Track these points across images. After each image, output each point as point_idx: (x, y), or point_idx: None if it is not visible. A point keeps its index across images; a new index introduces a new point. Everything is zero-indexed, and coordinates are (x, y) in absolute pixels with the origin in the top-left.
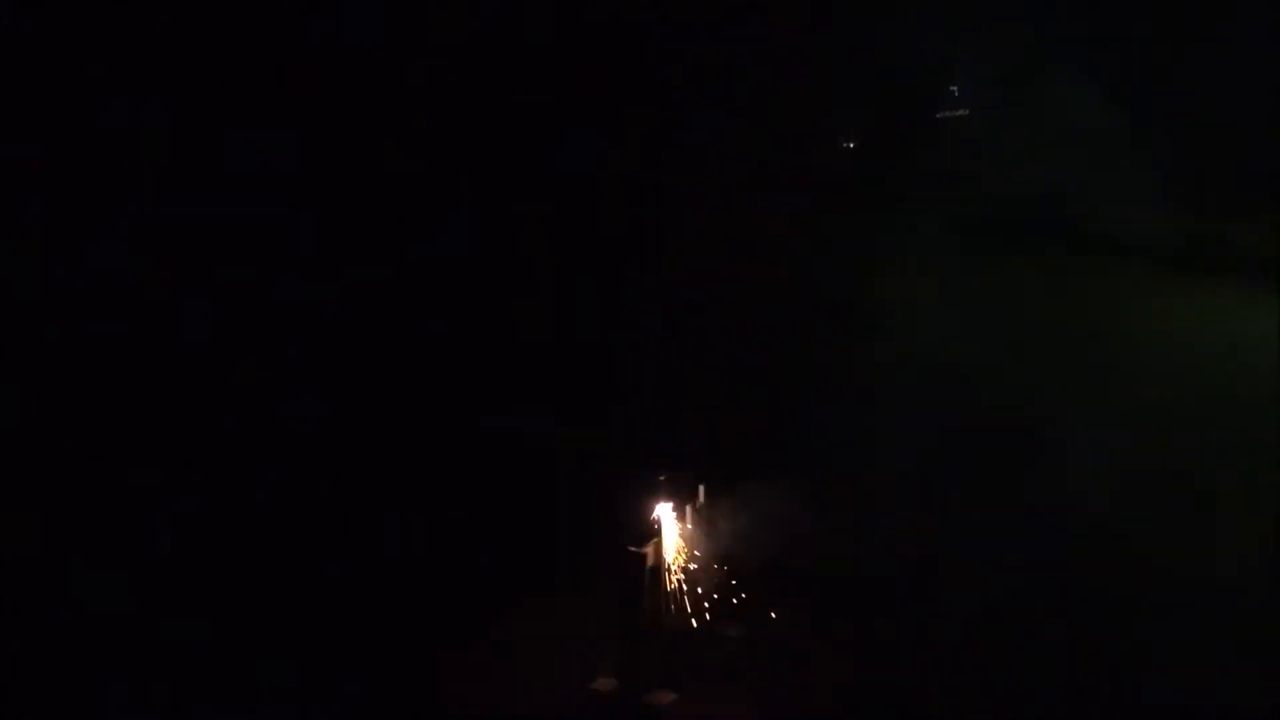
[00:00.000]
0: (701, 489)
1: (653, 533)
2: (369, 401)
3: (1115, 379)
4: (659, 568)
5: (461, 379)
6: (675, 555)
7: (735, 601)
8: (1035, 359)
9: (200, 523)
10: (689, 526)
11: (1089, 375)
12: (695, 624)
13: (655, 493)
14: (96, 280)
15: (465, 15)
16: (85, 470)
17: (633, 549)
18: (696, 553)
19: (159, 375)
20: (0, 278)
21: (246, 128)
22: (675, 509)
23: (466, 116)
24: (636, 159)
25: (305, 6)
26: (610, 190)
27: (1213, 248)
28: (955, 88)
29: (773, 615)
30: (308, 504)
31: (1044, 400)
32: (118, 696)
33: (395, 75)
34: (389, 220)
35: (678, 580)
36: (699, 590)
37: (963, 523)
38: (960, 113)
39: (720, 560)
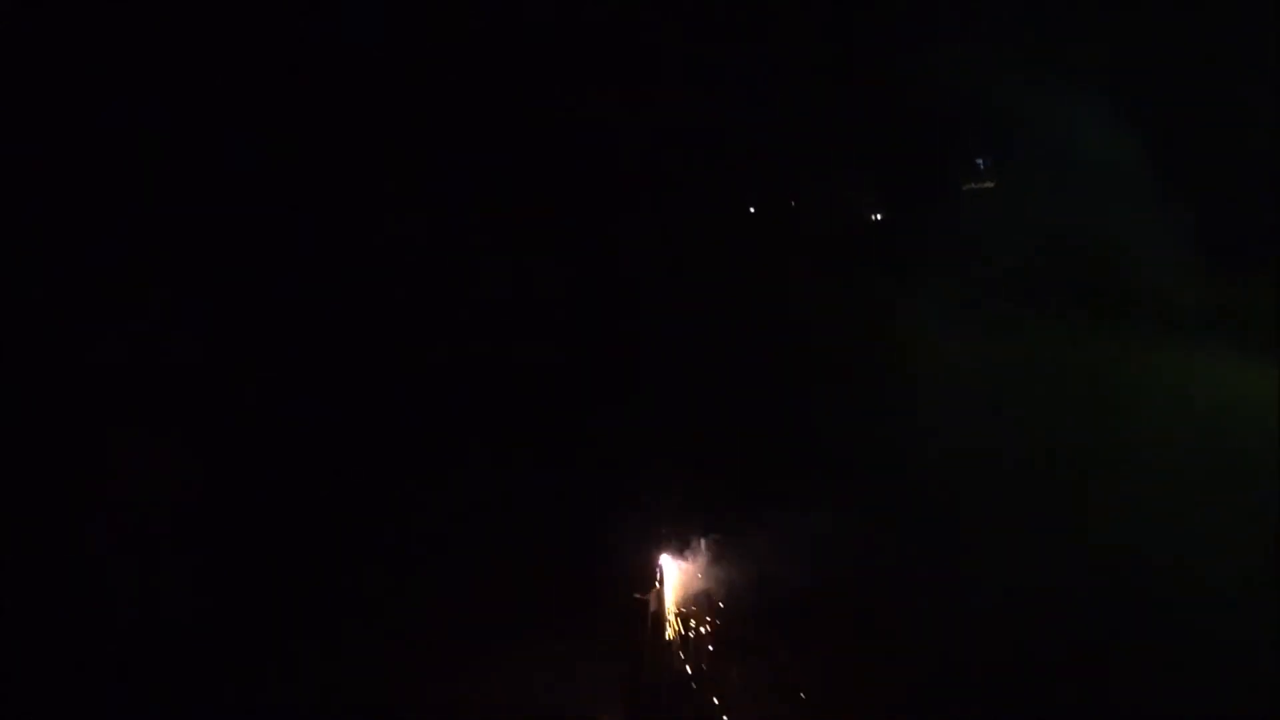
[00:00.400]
0: (703, 541)
1: (655, 580)
2: (373, 436)
3: (1132, 437)
4: (661, 613)
5: (466, 423)
6: (676, 601)
7: (734, 644)
8: (1056, 417)
9: (200, 525)
10: (690, 574)
11: (1108, 437)
12: (696, 667)
13: (658, 542)
14: (96, 280)
15: (465, 15)
16: (85, 470)
17: (636, 595)
18: (697, 598)
19: (159, 375)
20: (0, 278)
21: (246, 128)
22: (677, 557)
23: (467, 122)
24: (665, 227)
25: (305, 6)
26: (636, 253)
27: (1231, 309)
28: (981, 160)
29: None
30: (311, 554)
31: (1066, 460)
32: (118, 697)
33: (395, 75)
34: (388, 224)
35: (679, 624)
36: (700, 633)
37: (973, 572)
38: (986, 184)
39: (720, 604)
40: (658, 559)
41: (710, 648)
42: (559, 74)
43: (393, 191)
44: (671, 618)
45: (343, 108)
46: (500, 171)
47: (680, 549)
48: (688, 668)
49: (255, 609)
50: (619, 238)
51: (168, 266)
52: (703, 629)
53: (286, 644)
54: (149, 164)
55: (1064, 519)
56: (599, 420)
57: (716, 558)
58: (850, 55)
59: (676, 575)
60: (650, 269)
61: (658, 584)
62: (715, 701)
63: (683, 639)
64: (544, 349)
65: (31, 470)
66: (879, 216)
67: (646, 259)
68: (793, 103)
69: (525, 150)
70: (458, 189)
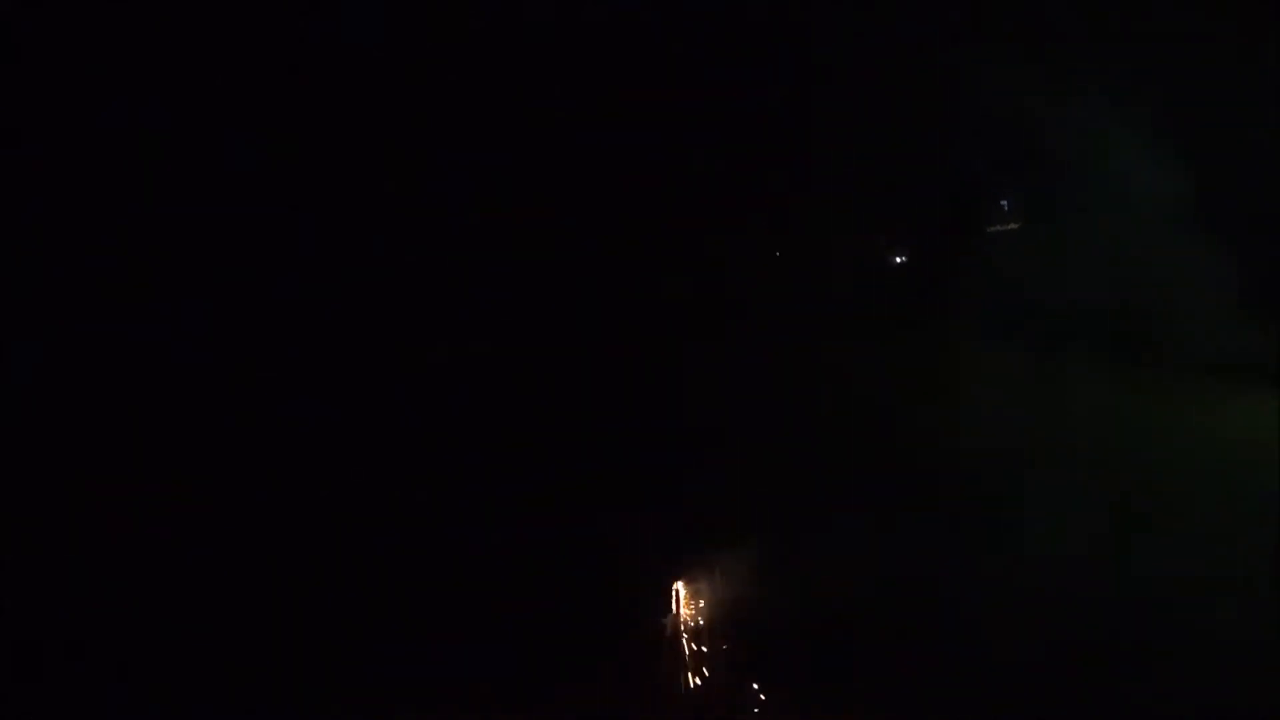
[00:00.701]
0: (718, 569)
1: (669, 604)
2: (375, 445)
3: (1166, 483)
4: (676, 639)
5: (473, 438)
6: (692, 627)
7: (749, 667)
8: (1081, 455)
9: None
10: (706, 597)
11: (1135, 482)
12: (710, 690)
13: (674, 569)
14: (96, 280)
15: (465, 15)
16: (86, 470)
17: (650, 619)
18: (712, 620)
19: (159, 375)
20: (0, 278)
21: (246, 128)
22: (692, 584)
23: (467, 122)
24: (693, 271)
25: (305, 6)
26: (663, 300)
27: (1262, 355)
28: (1005, 201)
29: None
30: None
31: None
32: (118, 697)
33: (395, 75)
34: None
35: (694, 650)
36: (714, 658)
37: (991, 602)
38: (1011, 226)
39: (736, 630)
40: (673, 583)
41: (725, 670)
42: (565, 94)
43: (393, 191)
44: (685, 641)
45: (343, 108)
46: (503, 175)
47: (696, 572)
48: (702, 692)
49: (253, 611)
50: (648, 276)
51: (168, 266)
52: (712, 648)
53: (283, 651)
54: (149, 164)
55: (1092, 552)
56: (612, 441)
57: (733, 581)
58: (873, 95)
59: (692, 599)
60: (673, 307)
61: (672, 609)
62: None
63: (697, 662)
64: (557, 372)
65: (31, 470)
66: (902, 259)
67: (674, 298)
68: (814, 145)
69: (530, 164)
70: (458, 189)
